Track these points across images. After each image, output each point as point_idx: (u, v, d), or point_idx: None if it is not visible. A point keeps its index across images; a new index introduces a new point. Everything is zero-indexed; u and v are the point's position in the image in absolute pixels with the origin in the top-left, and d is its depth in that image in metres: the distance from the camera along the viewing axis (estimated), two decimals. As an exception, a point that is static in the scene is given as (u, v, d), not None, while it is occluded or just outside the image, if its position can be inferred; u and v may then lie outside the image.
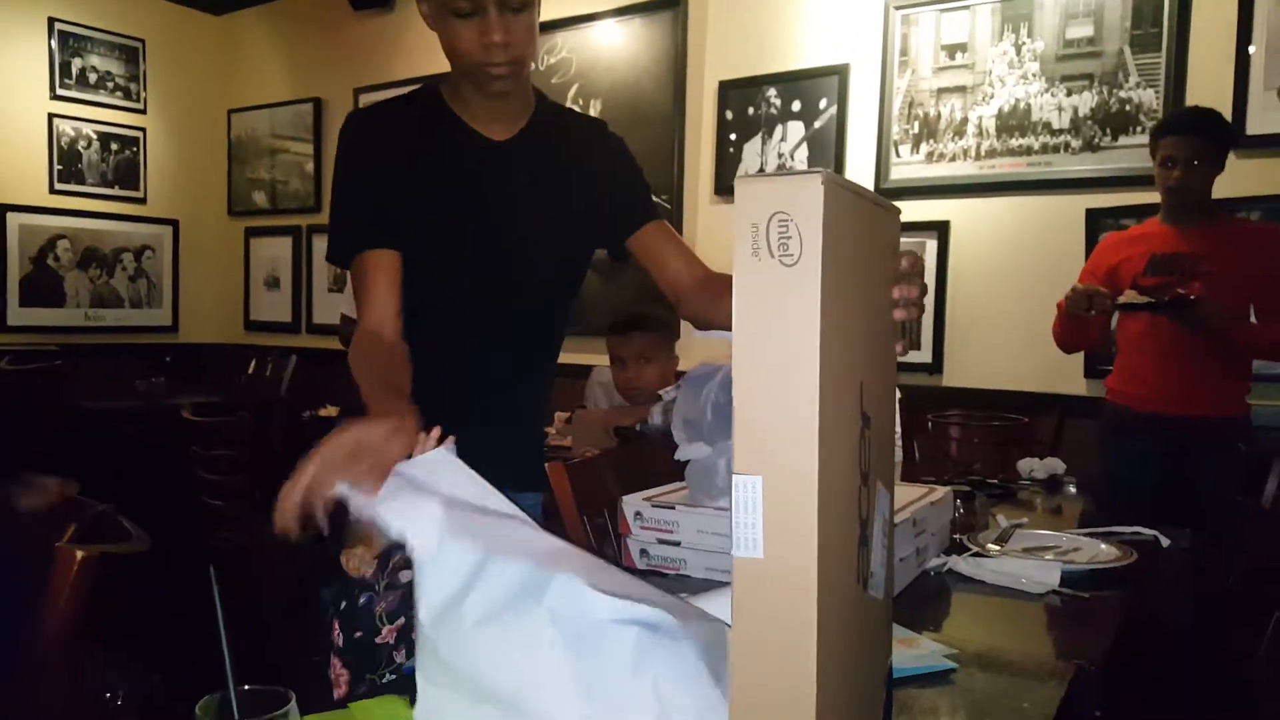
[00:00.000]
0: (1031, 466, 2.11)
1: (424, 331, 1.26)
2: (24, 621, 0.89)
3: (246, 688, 0.62)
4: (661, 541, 1.32)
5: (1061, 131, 2.97)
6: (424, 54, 4.31)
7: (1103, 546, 1.43)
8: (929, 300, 3.09)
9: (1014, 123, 3.04)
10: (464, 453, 1.32)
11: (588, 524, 1.53)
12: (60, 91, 4.66)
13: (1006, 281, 3.07)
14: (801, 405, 0.62)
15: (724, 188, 3.58)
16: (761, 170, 3.49)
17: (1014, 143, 3.04)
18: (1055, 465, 2.11)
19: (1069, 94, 2.95)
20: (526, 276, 1.34)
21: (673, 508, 1.31)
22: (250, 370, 4.61)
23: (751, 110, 3.51)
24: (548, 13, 3.91)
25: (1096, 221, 2.89)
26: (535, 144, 1.33)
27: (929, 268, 3.16)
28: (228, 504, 2.78)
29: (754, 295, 0.65)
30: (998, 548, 1.38)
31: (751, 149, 3.52)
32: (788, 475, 0.63)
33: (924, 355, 3.17)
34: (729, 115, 3.55)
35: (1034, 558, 1.34)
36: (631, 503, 1.35)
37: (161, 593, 1.16)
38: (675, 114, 3.65)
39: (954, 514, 1.51)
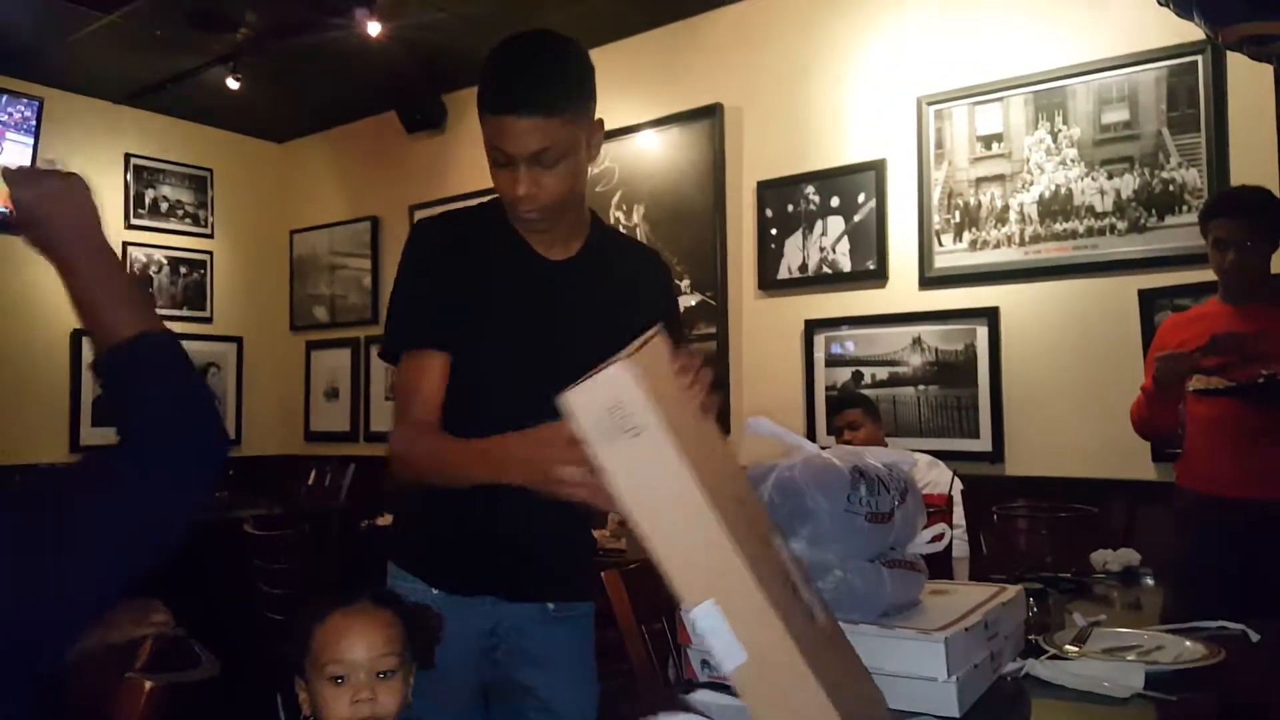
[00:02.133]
0: (1105, 559, 2.03)
1: (474, 419, 1.29)
2: None
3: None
4: (723, 650, 1.30)
5: (1106, 214, 2.96)
6: (475, 171, 4.49)
7: (1187, 644, 1.36)
8: (984, 387, 3.10)
9: (1056, 207, 3.05)
10: (510, 567, 1.35)
11: (644, 632, 1.51)
12: (135, 221, 4.93)
13: (1062, 365, 3.02)
14: (709, 531, 0.78)
15: (767, 283, 3.62)
16: (804, 265, 3.53)
17: (1058, 227, 3.04)
18: (1130, 556, 2.03)
19: (1110, 177, 2.96)
20: (570, 379, 1.36)
21: (733, 615, 1.29)
22: (310, 480, 4.69)
23: (791, 207, 3.57)
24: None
25: (1150, 302, 2.85)
26: (589, 266, 1.39)
27: (982, 354, 3.14)
28: (287, 617, 2.79)
29: (627, 473, 0.80)
30: (1076, 649, 1.32)
31: (793, 244, 3.57)
32: (730, 586, 0.78)
33: (984, 444, 3.11)
34: (769, 213, 3.62)
35: (1115, 658, 1.27)
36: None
37: (227, 714, 1.17)
38: (715, 215, 3.73)
39: (1028, 614, 1.45)
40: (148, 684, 0.82)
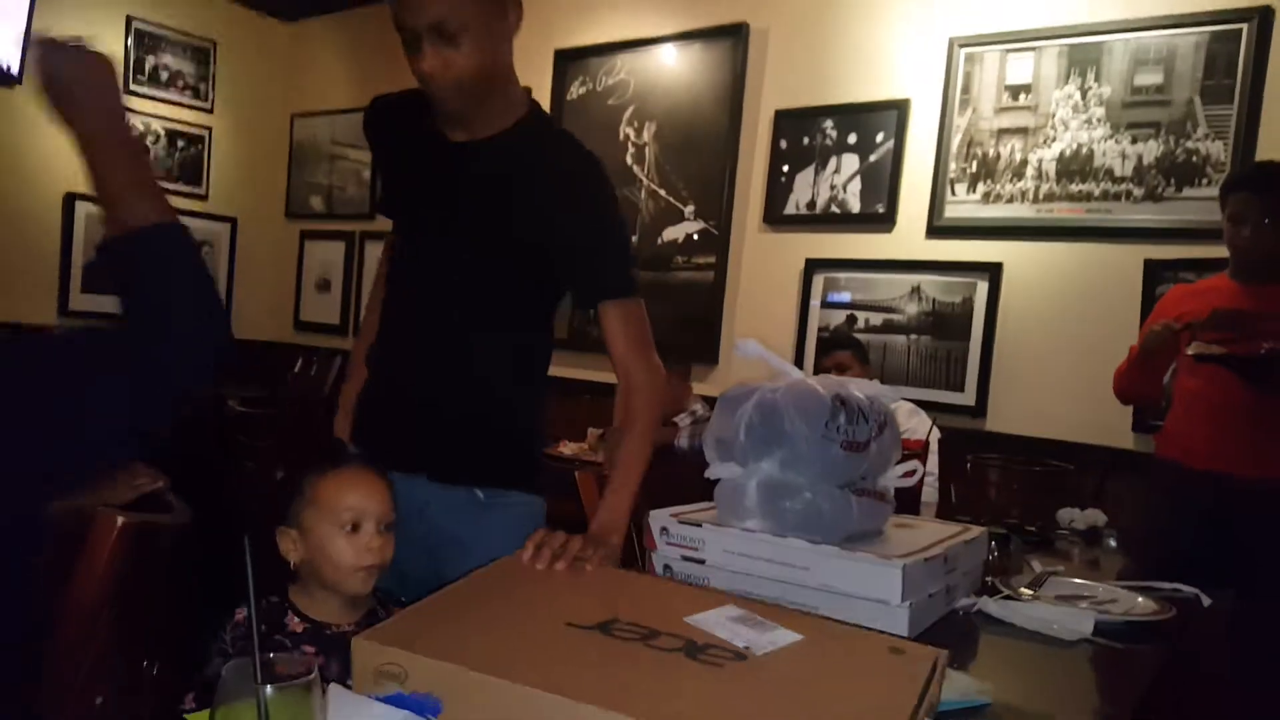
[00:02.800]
0: (1071, 516, 2.05)
1: (392, 297, 1.50)
2: (61, 581, 0.90)
3: (272, 655, 0.63)
4: (686, 559, 1.30)
5: (1124, 179, 2.91)
6: (486, 69, 4.37)
7: (1140, 600, 1.38)
8: (976, 341, 3.08)
9: (1075, 168, 2.99)
10: (428, 444, 1.42)
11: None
12: (134, 88, 4.80)
13: (1058, 328, 3.00)
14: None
15: (773, 217, 3.56)
16: (812, 202, 3.47)
17: (1074, 188, 2.99)
18: (1096, 517, 2.05)
19: (1134, 141, 2.90)
20: (458, 266, 1.41)
21: (699, 525, 1.30)
22: (297, 369, 4.68)
23: (806, 140, 3.50)
24: (609, 34, 3.98)
25: (1155, 273, 2.82)
26: (495, 151, 1.39)
27: (979, 309, 3.11)
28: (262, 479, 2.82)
29: None
30: (1030, 592, 1.34)
31: (804, 179, 3.50)
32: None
33: (967, 397, 3.11)
34: (783, 144, 3.55)
35: (1068, 605, 1.29)
36: (658, 518, 1.34)
37: (198, 564, 1.20)
38: (729, 141, 3.65)
39: (988, 556, 1.47)
40: (119, 519, 0.83)
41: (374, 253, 4.95)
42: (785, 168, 3.54)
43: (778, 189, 3.55)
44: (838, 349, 2.92)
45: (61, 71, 0.94)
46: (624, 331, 1.37)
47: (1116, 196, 2.92)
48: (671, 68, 3.83)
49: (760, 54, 3.63)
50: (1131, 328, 2.70)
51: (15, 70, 4.23)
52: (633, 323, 1.38)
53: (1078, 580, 1.48)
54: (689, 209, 3.74)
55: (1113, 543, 1.98)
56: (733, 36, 3.65)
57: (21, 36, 4.21)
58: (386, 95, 1.53)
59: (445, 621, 0.87)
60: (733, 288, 3.66)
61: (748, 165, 3.64)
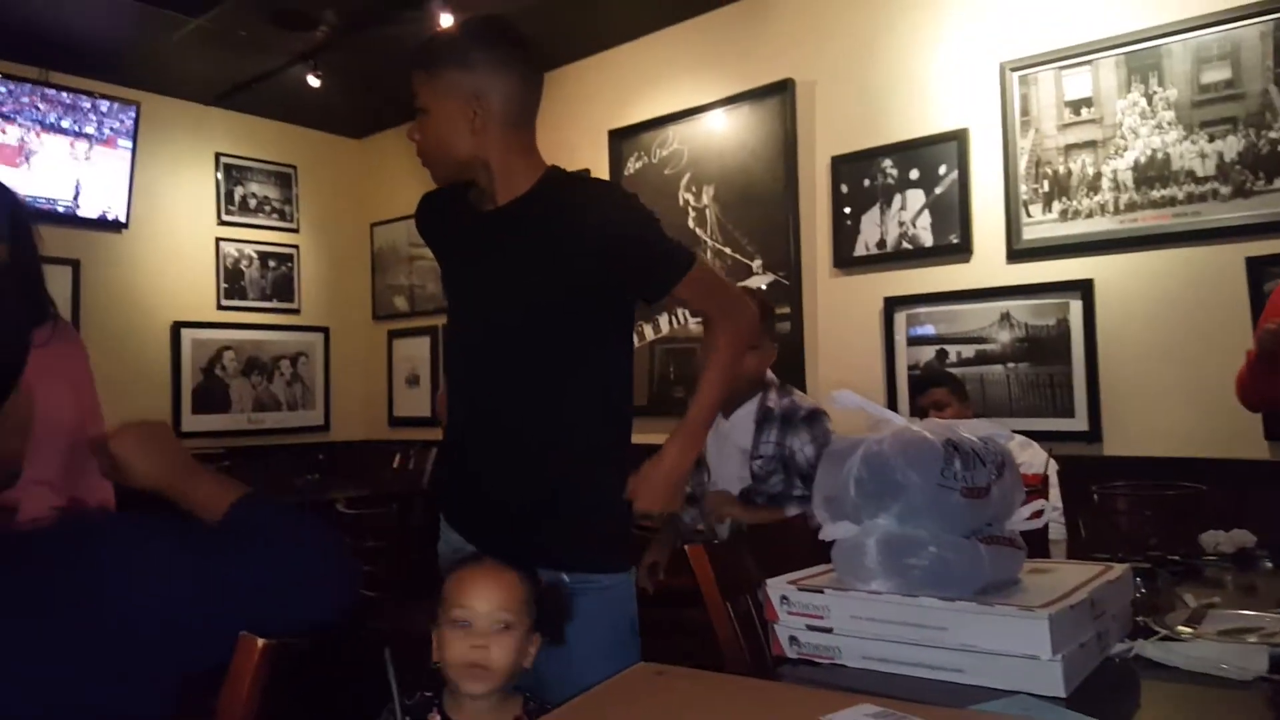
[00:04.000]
0: (1216, 540, 1.92)
1: (453, 385, 1.60)
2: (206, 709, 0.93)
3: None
4: (812, 628, 1.26)
5: (1207, 179, 2.81)
6: (546, 160, 4.51)
7: (1314, 627, 1.28)
8: (1079, 363, 2.97)
9: (1153, 173, 2.90)
10: (506, 531, 1.44)
11: (730, 609, 1.49)
12: (225, 217, 5.12)
13: (1163, 339, 2.88)
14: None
15: (843, 260, 3.54)
16: (882, 241, 3.44)
17: (1155, 194, 2.90)
18: (1244, 538, 1.91)
19: (1211, 139, 2.80)
20: (504, 327, 1.48)
21: (822, 591, 1.26)
22: (395, 464, 4.80)
23: (867, 182, 3.49)
24: (658, 109, 4.08)
25: (1260, 270, 2.70)
26: (519, 212, 1.49)
27: (1076, 329, 3.01)
28: (378, 593, 2.87)
29: None
30: (1190, 630, 1.26)
31: (870, 219, 3.48)
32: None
33: (1079, 423, 2.99)
34: (844, 189, 3.54)
35: (1235, 641, 1.21)
36: (776, 587, 1.30)
37: (324, 680, 1.25)
38: (787, 192, 3.67)
39: (1135, 594, 1.39)
40: (260, 641, 0.86)
41: (458, 345, 5.08)
42: (849, 207, 3.53)
43: (844, 232, 3.54)
44: (933, 386, 2.85)
45: (131, 464, 1.04)
46: (699, 292, 1.52)
47: (1203, 197, 2.81)
48: (722, 131, 3.89)
49: (809, 106, 3.66)
50: (1243, 330, 2.57)
51: (124, 218, 4.59)
52: (702, 281, 1.52)
53: (1240, 611, 1.38)
54: (756, 263, 3.75)
55: (1268, 564, 1.84)
56: (779, 93, 3.69)
57: (127, 188, 4.57)
58: (432, 191, 1.67)
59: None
60: (810, 334, 3.64)
61: (810, 213, 3.64)
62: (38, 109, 4.29)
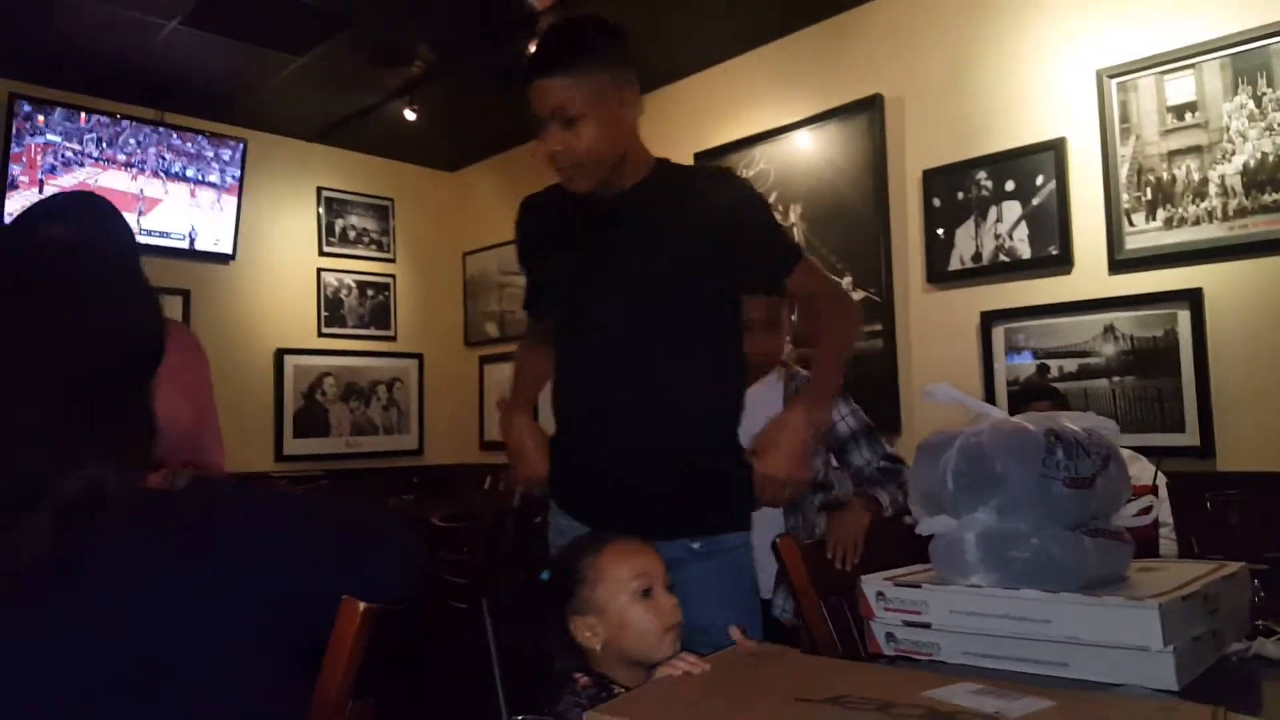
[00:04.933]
0: (1341, 550, 1.81)
1: (570, 371, 1.57)
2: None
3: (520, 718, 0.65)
4: (909, 624, 1.24)
5: (1324, 181, 2.68)
6: (634, 181, 4.58)
7: None
8: (1189, 375, 2.85)
9: (1264, 177, 2.78)
10: (635, 508, 1.40)
11: (824, 607, 1.47)
12: (326, 249, 5.36)
13: (1278, 349, 2.74)
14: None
15: (937, 275, 3.48)
16: (977, 255, 3.38)
17: (1267, 199, 2.77)
18: (1372, 548, 1.80)
19: (1327, 140, 2.67)
20: (638, 302, 1.48)
21: (919, 586, 1.24)
22: (486, 485, 4.89)
23: (960, 195, 3.43)
24: (744, 129, 4.11)
25: (1384, 273, 2.55)
26: (640, 194, 1.51)
27: (1185, 340, 2.89)
28: (469, 606, 2.93)
29: None
30: (1314, 629, 1.19)
31: (964, 233, 3.42)
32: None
33: (1190, 437, 2.85)
34: (936, 202, 3.49)
35: (1363, 640, 1.14)
36: (872, 583, 1.29)
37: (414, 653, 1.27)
38: (878, 208, 3.63)
39: (1253, 596, 1.32)
40: (361, 605, 0.90)
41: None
42: (942, 222, 3.48)
43: (937, 247, 3.48)
44: (1035, 400, 2.75)
45: None
46: (812, 280, 1.54)
47: (1320, 201, 2.68)
48: (809, 149, 3.89)
49: (898, 120, 3.64)
50: (1370, 337, 2.43)
51: (231, 250, 4.86)
52: (815, 271, 1.57)
53: (1368, 614, 1.30)
54: (846, 280, 3.72)
55: (1396, 575, 1.73)
56: (867, 110, 3.68)
57: (234, 222, 4.84)
58: (534, 194, 1.70)
59: (677, 696, 0.88)
60: (904, 351, 3.58)
61: (901, 228, 3.60)
62: (155, 150, 4.59)
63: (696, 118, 4.28)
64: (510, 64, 4.56)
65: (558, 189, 1.57)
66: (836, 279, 1.61)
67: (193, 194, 4.72)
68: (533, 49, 1.46)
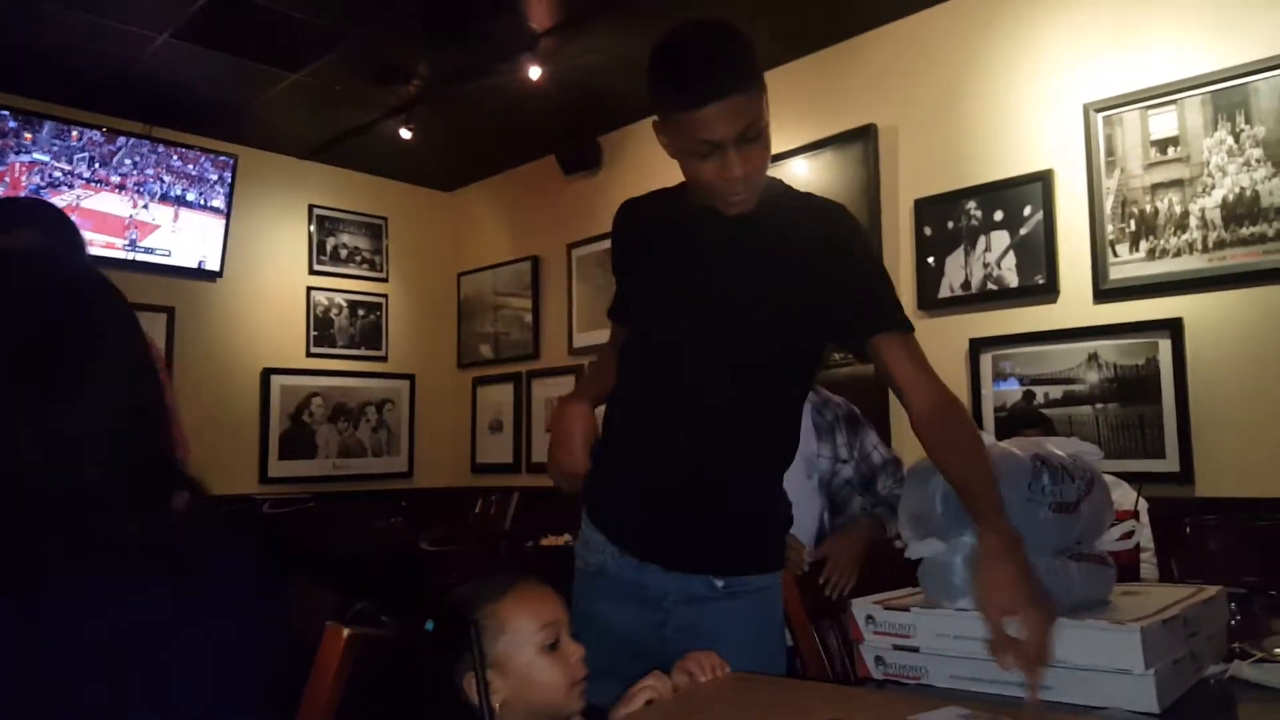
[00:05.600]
0: (1318, 577, 1.86)
1: (639, 398, 1.45)
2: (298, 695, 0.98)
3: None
4: (898, 648, 1.27)
5: (1299, 215, 2.75)
6: (627, 205, 4.63)
7: None
8: (1169, 403, 2.90)
9: (1241, 211, 2.85)
10: (667, 538, 1.37)
11: (815, 629, 1.50)
12: (317, 267, 5.33)
13: (1256, 377, 2.80)
14: None
15: (928, 302, 3.53)
16: (966, 283, 3.43)
17: (1245, 231, 2.84)
18: (1348, 575, 1.84)
19: (1303, 176, 2.75)
20: (739, 340, 1.38)
21: (908, 610, 1.27)
22: (477, 509, 4.88)
23: (951, 224, 3.49)
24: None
25: (1359, 306, 2.61)
26: (757, 214, 1.38)
27: (1166, 369, 2.95)
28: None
29: None
30: (1289, 653, 1.23)
31: (954, 261, 3.48)
32: None
33: (1170, 464, 2.90)
34: (927, 231, 3.55)
35: (1337, 663, 1.17)
36: (862, 606, 1.31)
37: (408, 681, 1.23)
38: (871, 235, 3.68)
39: (1230, 620, 1.36)
40: (345, 631, 0.91)
41: (540, 390, 5.19)
42: (933, 250, 3.53)
43: (928, 274, 3.54)
44: (1026, 427, 2.78)
45: None
46: (915, 358, 1.36)
47: (1294, 234, 2.75)
48: (804, 177, 3.94)
49: (892, 150, 3.70)
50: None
51: (218, 267, 4.84)
52: (919, 351, 1.38)
53: (1342, 638, 1.34)
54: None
55: (1374, 601, 1.77)
56: (861, 139, 3.74)
57: (223, 238, 4.82)
58: (636, 198, 1.55)
59: None
60: (894, 380, 3.60)
61: (893, 255, 3.65)
62: (138, 162, 4.54)
63: (689, 144, 4.33)
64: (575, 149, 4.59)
65: (664, 196, 1.47)
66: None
67: (180, 212, 4.67)
68: (690, 69, 1.27)
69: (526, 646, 1.11)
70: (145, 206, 4.58)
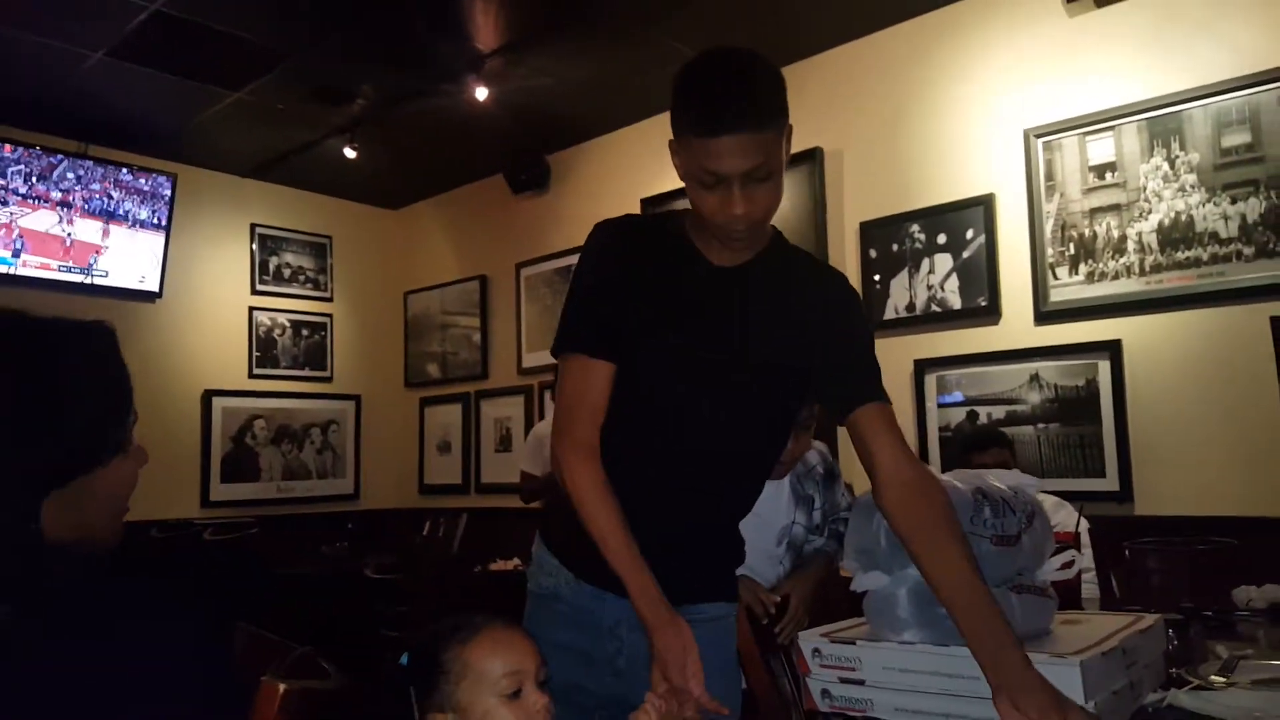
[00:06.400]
0: (1249, 595, 1.89)
1: (624, 444, 1.31)
2: None
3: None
4: (844, 680, 1.26)
5: (1231, 240, 2.83)
6: (577, 227, 4.62)
7: (1352, 679, 1.26)
8: (1109, 423, 2.96)
9: (1176, 235, 2.93)
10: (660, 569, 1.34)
11: (767, 661, 1.48)
12: (260, 287, 5.24)
13: (1193, 398, 2.87)
14: None
15: (873, 323, 3.53)
16: (911, 305, 3.47)
17: (1180, 255, 2.92)
18: (1276, 593, 1.89)
19: (1234, 202, 2.83)
20: (730, 399, 1.34)
21: (853, 643, 1.26)
22: (425, 531, 4.81)
23: (895, 246, 3.54)
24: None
25: (1287, 329, 2.69)
26: (759, 274, 1.34)
27: (1105, 389, 3.01)
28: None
29: None
30: (1223, 679, 1.24)
31: (899, 283, 3.52)
32: None
33: (1110, 483, 2.97)
34: (872, 253, 3.60)
35: (1269, 689, 1.19)
36: (809, 639, 1.30)
37: None
38: (817, 257, 3.71)
39: (1168, 645, 1.37)
40: (281, 686, 0.87)
41: (489, 411, 5.13)
42: (878, 272, 3.57)
43: (873, 295, 3.57)
44: (994, 446, 2.77)
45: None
46: (893, 430, 1.31)
47: (1226, 258, 2.83)
48: (752, 198, 3.96)
49: (837, 173, 3.74)
50: (1269, 388, 2.56)
51: (157, 288, 4.72)
52: (895, 422, 1.33)
53: (1273, 662, 1.36)
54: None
55: (1304, 621, 1.82)
56: (808, 162, 3.78)
57: (161, 258, 4.71)
58: (615, 222, 1.43)
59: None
60: (842, 400, 3.63)
61: (840, 279, 3.68)
62: (75, 180, 4.44)
63: (641, 164, 4.34)
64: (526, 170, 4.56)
65: (649, 227, 1.39)
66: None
67: (109, 232, 4.55)
68: (708, 96, 1.22)
69: (488, 694, 1.08)
70: (86, 230, 4.46)
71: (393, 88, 4.09)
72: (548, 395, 4.32)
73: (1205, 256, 2.87)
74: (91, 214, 4.50)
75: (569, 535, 1.38)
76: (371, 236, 5.76)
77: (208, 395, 4.95)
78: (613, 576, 1.30)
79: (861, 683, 1.24)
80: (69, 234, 4.44)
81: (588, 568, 1.36)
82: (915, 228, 3.49)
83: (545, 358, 4.77)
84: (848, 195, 3.71)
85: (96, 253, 4.53)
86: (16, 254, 4.29)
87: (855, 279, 3.62)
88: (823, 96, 3.81)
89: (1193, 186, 2.91)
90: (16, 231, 4.27)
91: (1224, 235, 2.84)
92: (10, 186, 4.23)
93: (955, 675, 1.15)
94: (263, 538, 4.42)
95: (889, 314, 3.54)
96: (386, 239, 5.82)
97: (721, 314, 1.34)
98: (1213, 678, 1.25)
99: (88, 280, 4.49)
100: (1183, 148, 2.94)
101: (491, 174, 5.10)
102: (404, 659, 1.15)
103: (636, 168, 4.36)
